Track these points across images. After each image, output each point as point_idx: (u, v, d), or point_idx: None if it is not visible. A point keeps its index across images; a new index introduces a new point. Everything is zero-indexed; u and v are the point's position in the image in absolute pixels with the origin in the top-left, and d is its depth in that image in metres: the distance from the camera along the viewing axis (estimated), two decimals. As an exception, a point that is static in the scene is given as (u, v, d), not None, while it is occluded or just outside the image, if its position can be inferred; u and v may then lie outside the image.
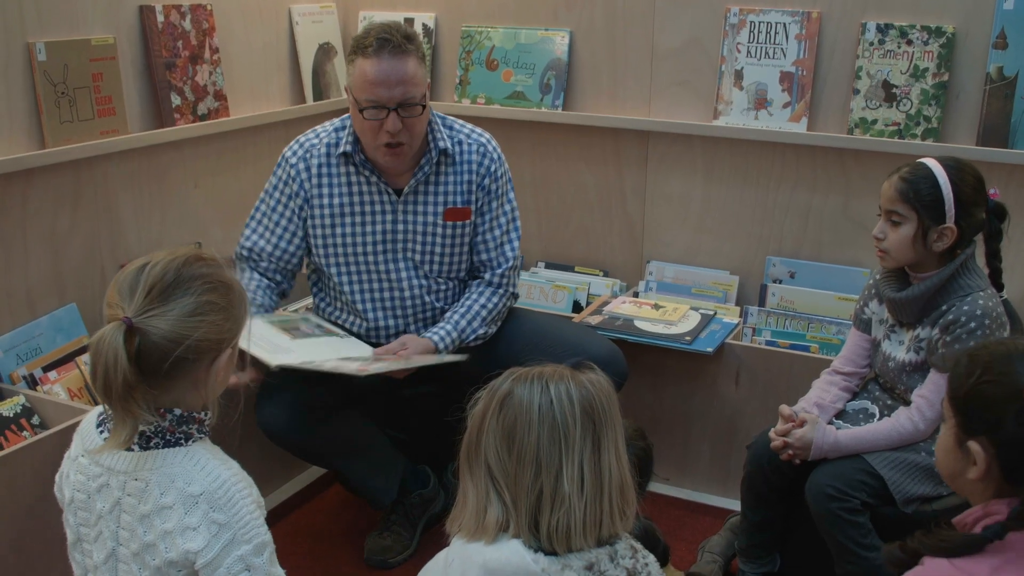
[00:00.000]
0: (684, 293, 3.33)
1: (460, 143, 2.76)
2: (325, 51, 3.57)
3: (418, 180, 2.71)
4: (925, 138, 2.98)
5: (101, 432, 1.71)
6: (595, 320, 3.11)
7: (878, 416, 2.50)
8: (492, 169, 2.77)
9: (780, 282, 3.24)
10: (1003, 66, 2.87)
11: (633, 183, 3.42)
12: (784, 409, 2.49)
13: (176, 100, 3.03)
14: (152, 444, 1.64)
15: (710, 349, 2.96)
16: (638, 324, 3.08)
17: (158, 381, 1.60)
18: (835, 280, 3.17)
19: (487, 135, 2.80)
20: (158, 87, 2.99)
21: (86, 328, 2.85)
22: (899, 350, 2.47)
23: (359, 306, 2.79)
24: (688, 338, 2.99)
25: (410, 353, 2.61)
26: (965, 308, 2.33)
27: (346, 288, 2.80)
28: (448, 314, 2.76)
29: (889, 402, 2.51)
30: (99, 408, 1.77)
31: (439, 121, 2.74)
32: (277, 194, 2.78)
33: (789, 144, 3.17)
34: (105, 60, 2.83)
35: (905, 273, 2.46)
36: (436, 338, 2.68)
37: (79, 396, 2.67)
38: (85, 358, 2.67)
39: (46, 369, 2.69)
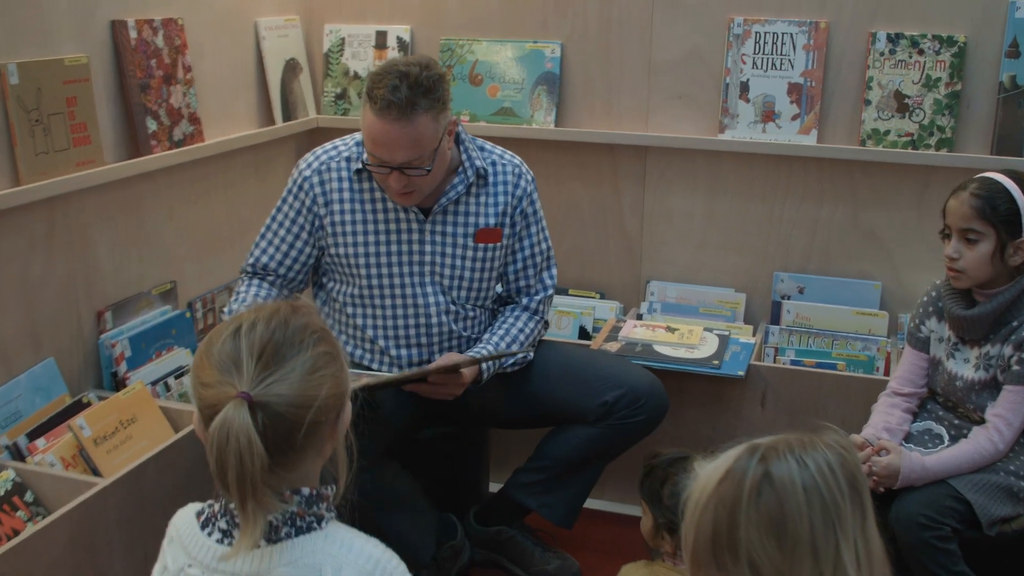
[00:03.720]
0: (691, 313, 3.21)
1: (494, 163, 2.60)
2: (291, 68, 3.31)
3: (449, 199, 2.52)
4: (939, 148, 2.95)
5: (209, 533, 1.42)
6: (613, 347, 2.96)
7: (946, 436, 2.44)
8: (528, 191, 2.62)
9: (789, 298, 3.16)
10: (1016, 75, 2.86)
11: (631, 200, 3.29)
12: (857, 438, 2.39)
13: (152, 125, 2.73)
14: (283, 535, 1.39)
15: (740, 372, 2.84)
16: (659, 349, 2.94)
17: (289, 458, 1.37)
18: (845, 294, 3.11)
19: (519, 158, 2.64)
20: (133, 111, 2.68)
21: (66, 385, 2.53)
22: (966, 368, 2.41)
23: (377, 340, 2.57)
24: (716, 362, 2.87)
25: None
26: (1039, 323, 2.29)
27: (359, 320, 2.58)
28: (486, 336, 2.60)
29: (956, 421, 2.44)
30: (195, 506, 1.50)
31: (471, 142, 2.56)
32: (287, 208, 2.57)
33: (796, 157, 3.09)
34: (79, 82, 2.51)
35: (968, 289, 2.40)
36: (476, 353, 2.52)
37: (74, 465, 2.35)
38: (80, 420, 2.36)
39: (31, 436, 2.36)
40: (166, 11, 2.79)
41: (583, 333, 3.19)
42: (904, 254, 3.09)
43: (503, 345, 2.57)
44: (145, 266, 2.80)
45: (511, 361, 2.59)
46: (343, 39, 3.38)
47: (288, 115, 3.29)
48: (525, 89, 3.25)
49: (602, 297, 3.34)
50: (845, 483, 1.31)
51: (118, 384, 2.63)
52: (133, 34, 2.66)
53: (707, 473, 1.34)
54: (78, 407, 2.48)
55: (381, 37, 3.35)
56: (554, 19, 3.23)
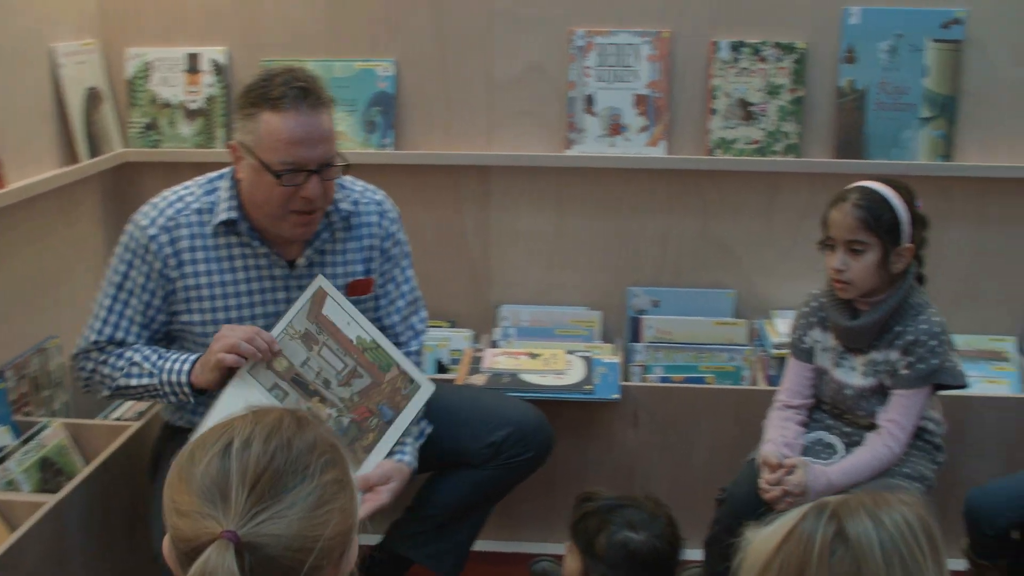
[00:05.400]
0: (547, 336, 3.10)
1: (356, 203, 2.36)
2: (93, 97, 2.95)
3: (315, 249, 2.28)
4: (787, 154, 2.97)
5: None
6: (479, 380, 2.80)
7: (839, 445, 2.43)
8: (392, 231, 2.40)
9: (645, 312, 3.10)
10: (854, 79, 2.92)
11: (475, 223, 3.14)
12: (771, 457, 2.33)
13: (-55, 172, 2.35)
14: None
15: (616, 395, 2.76)
16: (527, 378, 2.81)
17: None
18: (700, 304, 3.08)
19: (381, 192, 2.43)
20: (-78, 158, 2.30)
21: None
22: (854, 376, 2.40)
23: None
24: (588, 387, 2.77)
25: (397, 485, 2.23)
26: (923, 327, 2.31)
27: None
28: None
29: (846, 429, 2.44)
30: None
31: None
32: (134, 273, 2.23)
33: (644, 170, 3.03)
34: None
35: (849, 299, 2.40)
36: (408, 458, 2.29)
37: None
38: None
39: None
40: (-49, 39, 2.42)
41: (440, 367, 3.01)
42: (755, 260, 3.10)
43: (411, 427, 2.33)
44: (-54, 336, 2.41)
45: (423, 438, 2.38)
46: (148, 63, 3.05)
47: (94, 150, 2.93)
48: (358, 111, 3.04)
49: (453, 326, 3.17)
50: (925, 542, 1.20)
51: (-71, 478, 2.24)
52: (-85, 68, 2.28)
53: (764, 536, 1.21)
54: None
55: (193, 60, 3.04)
56: (385, 36, 3.03)
